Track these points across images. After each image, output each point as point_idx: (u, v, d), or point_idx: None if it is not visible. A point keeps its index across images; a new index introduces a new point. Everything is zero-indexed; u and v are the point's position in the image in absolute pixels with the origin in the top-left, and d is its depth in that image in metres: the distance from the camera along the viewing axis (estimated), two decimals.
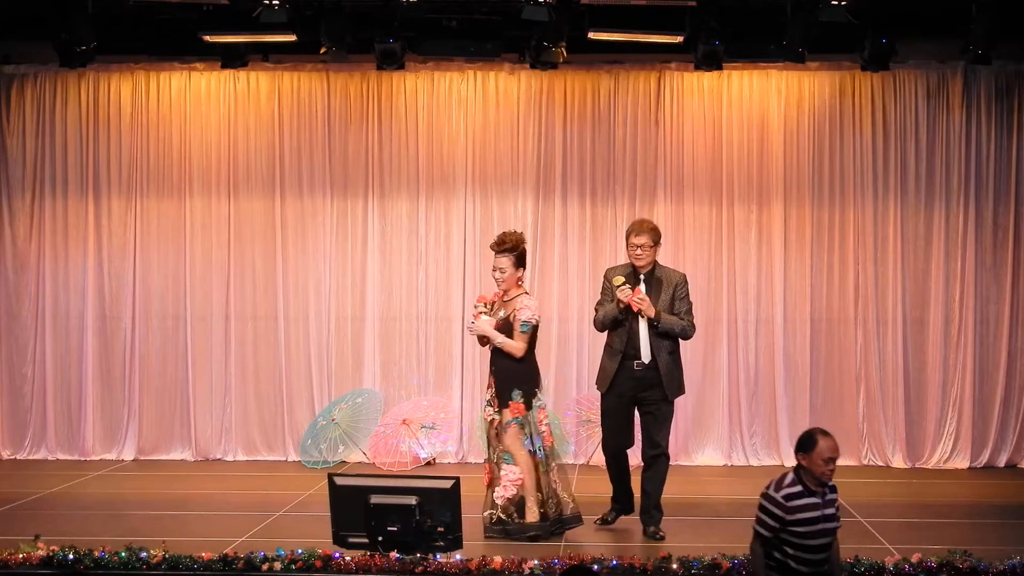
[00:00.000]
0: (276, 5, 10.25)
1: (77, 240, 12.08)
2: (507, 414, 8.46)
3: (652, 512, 8.74)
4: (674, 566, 7.48)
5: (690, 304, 8.76)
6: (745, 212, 11.88)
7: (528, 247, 10.21)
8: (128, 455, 12.04)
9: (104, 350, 12.08)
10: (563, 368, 11.41)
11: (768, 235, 11.87)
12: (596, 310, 8.81)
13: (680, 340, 8.73)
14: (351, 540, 7.08)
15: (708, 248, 11.91)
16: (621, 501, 8.96)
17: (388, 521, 6.77)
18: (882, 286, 11.88)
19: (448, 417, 11.75)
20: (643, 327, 8.45)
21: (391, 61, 11.19)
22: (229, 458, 12.00)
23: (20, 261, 12.13)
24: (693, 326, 8.67)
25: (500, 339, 8.53)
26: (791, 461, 10.90)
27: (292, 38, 10.88)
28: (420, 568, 7.34)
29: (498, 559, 7.49)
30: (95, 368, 12.04)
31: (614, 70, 11.95)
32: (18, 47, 11.91)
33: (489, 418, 8.66)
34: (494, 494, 8.55)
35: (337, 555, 7.53)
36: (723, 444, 11.87)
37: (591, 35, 10.75)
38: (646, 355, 8.39)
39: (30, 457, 12.05)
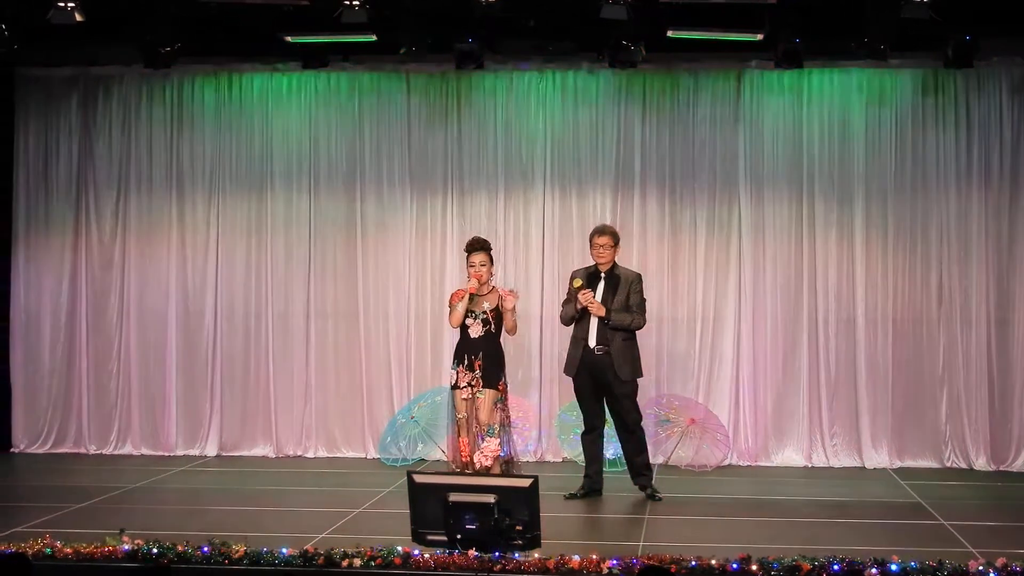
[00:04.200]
0: (356, 5, 10.18)
1: (161, 238, 12.14)
2: (494, 394, 9.15)
3: (643, 473, 9.62)
4: (753, 567, 7.37)
5: (643, 300, 9.60)
6: (826, 211, 11.67)
7: None
8: (211, 451, 12.08)
9: (187, 347, 12.09)
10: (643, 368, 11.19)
11: (849, 234, 11.67)
12: (562, 307, 9.69)
13: (635, 330, 9.67)
14: (430, 538, 7.05)
15: (788, 247, 11.72)
16: (592, 477, 9.64)
17: (466, 519, 6.76)
18: (965, 286, 11.60)
19: (526, 416, 11.57)
20: (593, 320, 9.35)
21: (469, 61, 11.20)
22: (310, 455, 11.97)
23: (106, 259, 12.20)
24: (644, 319, 9.62)
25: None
26: (873, 463, 11.59)
27: (372, 38, 10.82)
28: (498, 567, 7.19)
29: (576, 558, 7.38)
30: (179, 365, 12.06)
31: (693, 68, 11.80)
32: (104, 49, 11.96)
33: (467, 397, 9.18)
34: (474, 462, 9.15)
35: (416, 552, 7.46)
36: (803, 445, 11.67)
37: (670, 33, 10.62)
38: (592, 340, 9.28)
39: (116, 452, 12.12)
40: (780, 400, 11.69)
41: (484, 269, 9.31)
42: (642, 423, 9.86)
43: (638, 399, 10.68)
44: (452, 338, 10.88)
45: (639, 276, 9.83)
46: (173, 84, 12.14)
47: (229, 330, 12.09)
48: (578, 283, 9.48)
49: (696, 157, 11.80)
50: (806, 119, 11.73)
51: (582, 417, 9.94)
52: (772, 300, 11.71)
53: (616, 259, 9.74)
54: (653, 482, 9.89)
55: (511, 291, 9.48)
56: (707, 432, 11.41)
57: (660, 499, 9.68)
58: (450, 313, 9.35)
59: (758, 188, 11.76)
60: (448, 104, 11.91)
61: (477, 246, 9.42)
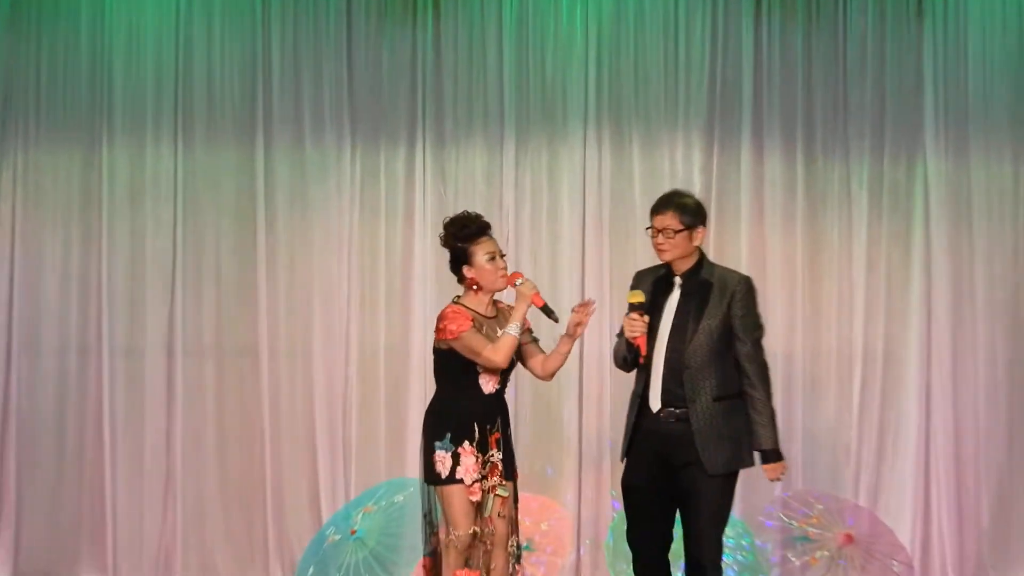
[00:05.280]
0: None
1: None
2: (512, 487, 7.46)
3: None
4: None
5: (758, 326, 7.01)
6: None
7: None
8: None
9: None
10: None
11: None
12: (617, 338, 7.57)
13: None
14: None
15: (1015, 234, 9.20)
16: None
17: None
18: None
19: (556, 527, 9.12)
20: (658, 360, 7.03)
21: None
22: None
23: None
24: (761, 364, 6.92)
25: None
26: None
27: None
28: None
29: None
30: None
31: None
32: None
33: (479, 499, 7.40)
34: None
35: None
36: None
37: None
38: (656, 399, 7.00)
39: None
40: (1006, 500, 9.18)
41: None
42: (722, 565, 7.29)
43: (746, 501, 8.58)
44: (424, 392, 9.30)
45: (747, 282, 7.00)
46: None
47: (32, 378, 9.55)
48: (636, 297, 6.92)
49: (850, 78, 9.22)
50: None
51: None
52: (987, 325, 9.26)
53: (699, 250, 7.11)
54: None
55: (587, 302, 7.22)
56: (874, 558, 9.02)
57: None
58: (493, 344, 7.06)
59: (958, 133, 9.23)
60: None
61: (486, 227, 7.32)
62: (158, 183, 9.43)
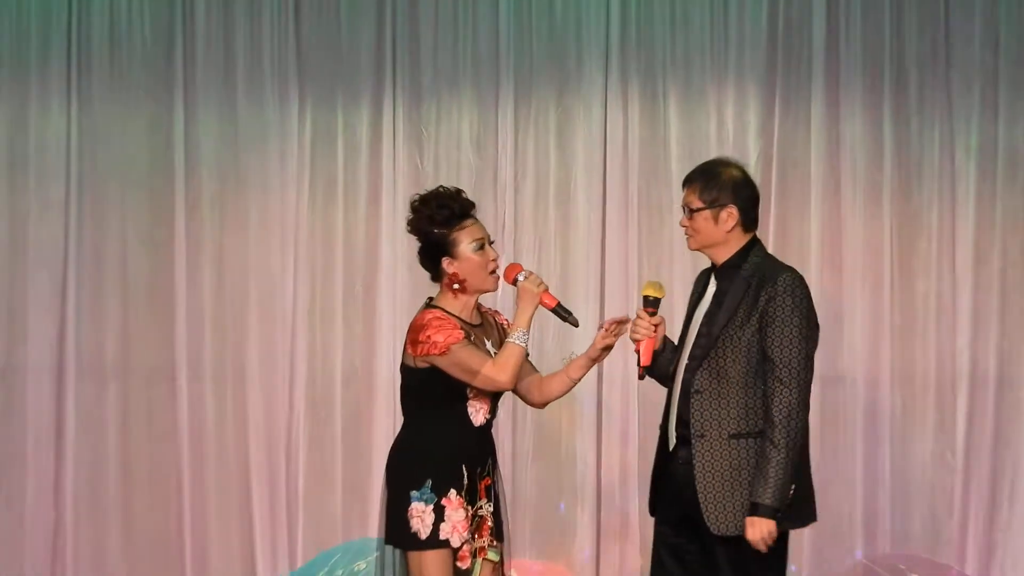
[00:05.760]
0: None
1: None
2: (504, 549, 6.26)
3: None
4: None
5: (791, 340, 5.55)
6: None
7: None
8: None
9: None
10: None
11: None
12: None
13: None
14: None
15: None
16: None
17: None
18: None
19: None
20: (679, 380, 5.79)
21: None
22: None
23: None
24: (787, 398, 5.46)
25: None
26: None
27: None
28: None
29: None
30: None
31: None
32: None
33: (469, 566, 6.13)
34: None
35: None
36: None
37: None
38: (672, 435, 5.82)
39: None
40: None
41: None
42: None
43: (813, 568, 7.80)
44: (394, 426, 7.67)
45: (787, 280, 5.67)
46: None
47: None
48: (650, 291, 5.84)
49: (952, 16, 7.94)
50: None
51: None
52: None
53: (741, 238, 5.84)
54: None
55: (622, 319, 6.11)
56: None
57: None
58: (494, 360, 5.91)
59: None
60: None
61: (470, 206, 6.16)
62: (45, 151, 8.10)
